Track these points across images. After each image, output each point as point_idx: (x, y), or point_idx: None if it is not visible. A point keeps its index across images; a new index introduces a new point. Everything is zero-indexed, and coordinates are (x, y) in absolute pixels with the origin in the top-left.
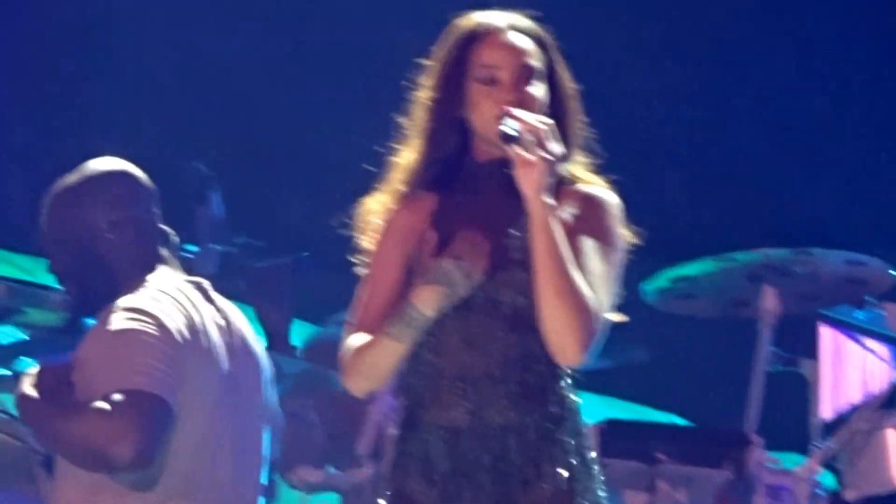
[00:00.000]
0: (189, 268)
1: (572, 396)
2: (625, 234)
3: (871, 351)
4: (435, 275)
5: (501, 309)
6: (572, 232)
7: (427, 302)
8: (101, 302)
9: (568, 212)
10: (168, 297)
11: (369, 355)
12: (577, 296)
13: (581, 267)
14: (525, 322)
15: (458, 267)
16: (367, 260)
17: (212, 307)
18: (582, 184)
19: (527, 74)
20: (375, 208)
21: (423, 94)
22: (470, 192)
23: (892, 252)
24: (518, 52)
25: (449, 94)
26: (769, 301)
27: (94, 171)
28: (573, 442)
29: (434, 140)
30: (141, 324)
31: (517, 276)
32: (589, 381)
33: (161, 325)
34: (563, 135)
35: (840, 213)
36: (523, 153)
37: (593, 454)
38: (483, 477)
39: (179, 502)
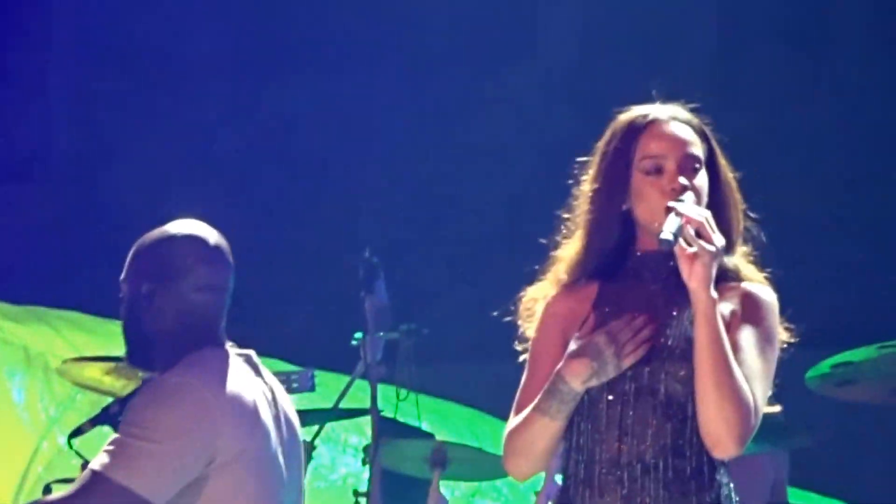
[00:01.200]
0: (357, 355)
1: (726, 483)
2: (782, 333)
3: None
4: (586, 348)
5: (658, 397)
6: (732, 327)
7: (575, 374)
8: (142, 366)
9: (728, 307)
10: (216, 379)
11: (524, 434)
12: (736, 389)
13: (739, 361)
14: (681, 411)
15: (609, 343)
16: (529, 347)
17: (260, 380)
18: (743, 279)
19: (691, 163)
20: (538, 296)
21: (587, 186)
22: (632, 281)
23: None
24: (682, 142)
25: (613, 185)
26: None
27: (161, 234)
28: None
29: (598, 231)
30: (160, 424)
31: (675, 365)
32: None
33: (185, 419)
34: (725, 224)
35: None
36: (686, 247)
37: None
38: None
39: None
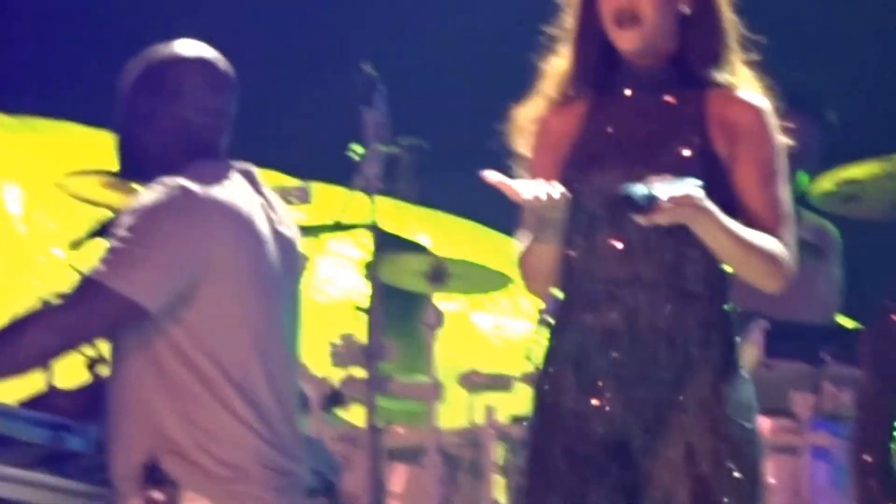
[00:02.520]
0: (356, 169)
1: (727, 300)
2: (783, 140)
3: None
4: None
5: None
6: (740, 154)
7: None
8: (135, 178)
9: (726, 121)
10: (211, 188)
11: (529, 260)
12: (768, 257)
13: (759, 217)
14: (682, 229)
15: (541, 216)
16: (522, 165)
17: (258, 194)
18: (735, 89)
19: None
20: (529, 115)
21: None
22: (623, 95)
23: None
24: None
25: None
26: None
27: (164, 53)
28: (723, 347)
29: (581, 44)
30: (161, 215)
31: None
32: None
33: (188, 214)
34: (713, 34)
35: None
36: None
37: (743, 360)
38: (631, 379)
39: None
